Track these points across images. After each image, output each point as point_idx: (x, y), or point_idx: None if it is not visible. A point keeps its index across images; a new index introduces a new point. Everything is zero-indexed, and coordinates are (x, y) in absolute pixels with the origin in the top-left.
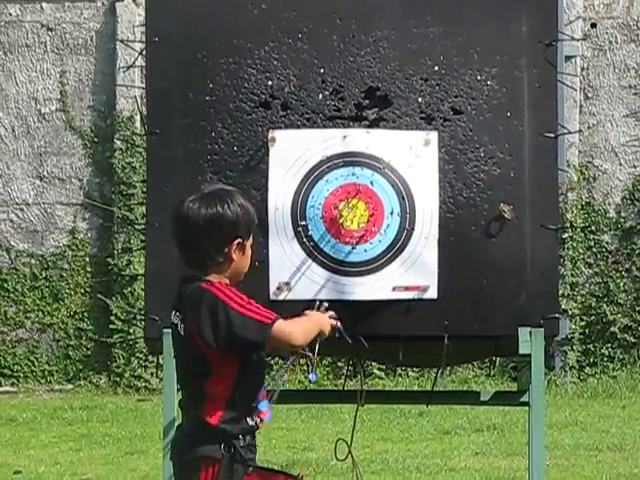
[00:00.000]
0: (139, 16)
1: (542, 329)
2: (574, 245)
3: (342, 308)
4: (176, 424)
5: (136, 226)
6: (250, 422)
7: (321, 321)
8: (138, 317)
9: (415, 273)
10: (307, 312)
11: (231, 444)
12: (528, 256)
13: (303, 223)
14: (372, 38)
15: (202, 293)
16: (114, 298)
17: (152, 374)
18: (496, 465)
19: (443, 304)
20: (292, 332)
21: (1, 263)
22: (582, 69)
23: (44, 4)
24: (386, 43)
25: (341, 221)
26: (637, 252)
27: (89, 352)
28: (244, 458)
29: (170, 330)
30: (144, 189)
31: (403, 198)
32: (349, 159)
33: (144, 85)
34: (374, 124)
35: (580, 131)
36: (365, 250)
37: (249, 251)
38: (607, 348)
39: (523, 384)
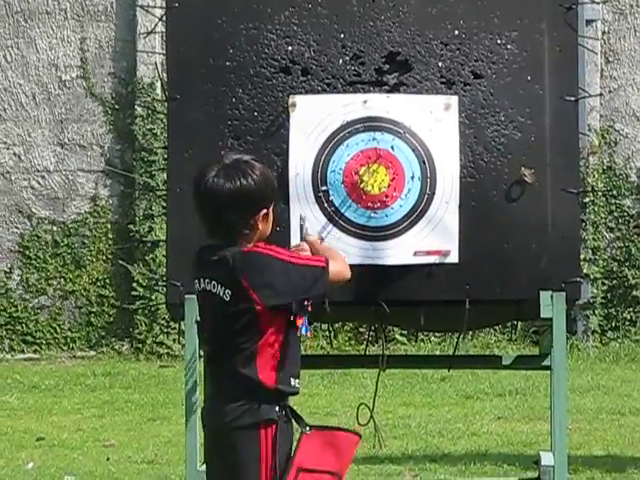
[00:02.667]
0: None
1: (564, 293)
2: (595, 209)
3: (364, 273)
4: (198, 392)
5: (157, 192)
6: (293, 383)
7: None
8: (160, 283)
9: (436, 238)
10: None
11: (285, 405)
12: (549, 220)
13: (324, 188)
14: (392, 3)
15: (251, 256)
16: (136, 265)
17: (174, 340)
18: (518, 429)
19: (464, 268)
20: (343, 268)
21: (23, 230)
22: (603, 33)
23: None
24: (406, 7)
25: (362, 186)
26: None
27: (111, 319)
28: (300, 418)
29: (195, 296)
30: (165, 155)
31: (424, 162)
32: (370, 124)
33: (164, 51)
34: (394, 89)
35: (601, 95)
36: (386, 215)
37: (271, 216)
38: (629, 312)
39: (545, 348)
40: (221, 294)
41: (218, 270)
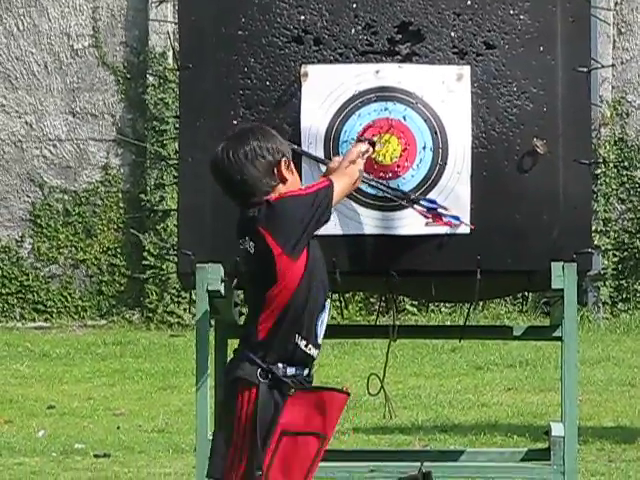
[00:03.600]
0: None
1: (575, 264)
2: (607, 181)
3: (375, 243)
4: (209, 361)
5: (169, 161)
6: (305, 349)
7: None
8: (171, 253)
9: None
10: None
11: (269, 370)
12: (561, 191)
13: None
14: None
15: (270, 205)
16: (147, 234)
17: (185, 310)
18: (528, 400)
19: (476, 239)
20: (348, 173)
21: (34, 199)
22: (615, 4)
23: None
24: None
25: (374, 156)
26: None
27: (122, 288)
28: (285, 384)
29: (237, 259)
30: (177, 125)
31: (436, 133)
32: (382, 94)
33: (176, 20)
34: (407, 59)
35: (613, 66)
36: (398, 185)
37: (292, 165)
38: None
39: (556, 319)
40: (249, 248)
41: (247, 225)
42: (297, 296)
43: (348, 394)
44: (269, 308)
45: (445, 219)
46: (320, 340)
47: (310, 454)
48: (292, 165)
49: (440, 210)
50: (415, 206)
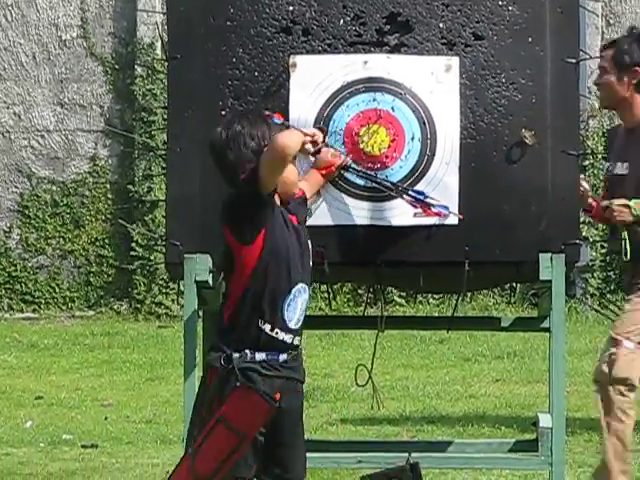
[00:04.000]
0: None
1: (563, 255)
2: (595, 172)
3: (363, 233)
4: (197, 352)
5: (157, 152)
6: (271, 333)
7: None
8: (159, 243)
9: (436, 199)
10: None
11: (229, 355)
12: (549, 182)
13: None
14: None
15: (224, 201)
16: (135, 225)
17: (173, 301)
18: (516, 392)
19: (464, 230)
20: (273, 142)
21: (22, 190)
22: None
23: None
24: None
25: (362, 147)
26: None
27: (110, 279)
28: (243, 372)
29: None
30: (165, 115)
31: (424, 124)
32: (370, 85)
33: (165, 11)
34: (395, 49)
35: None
36: (386, 175)
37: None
38: None
39: (544, 310)
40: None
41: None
42: (253, 281)
43: (274, 406)
44: (230, 295)
45: (434, 209)
46: (293, 325)
47: (228, 447)
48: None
49: (429, 200)
50: (404, 196)
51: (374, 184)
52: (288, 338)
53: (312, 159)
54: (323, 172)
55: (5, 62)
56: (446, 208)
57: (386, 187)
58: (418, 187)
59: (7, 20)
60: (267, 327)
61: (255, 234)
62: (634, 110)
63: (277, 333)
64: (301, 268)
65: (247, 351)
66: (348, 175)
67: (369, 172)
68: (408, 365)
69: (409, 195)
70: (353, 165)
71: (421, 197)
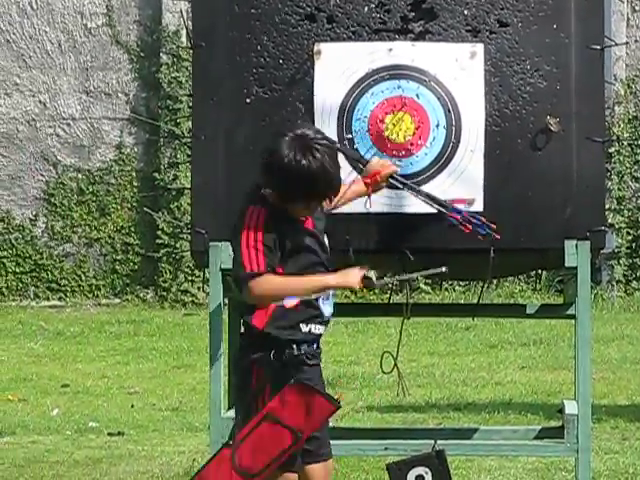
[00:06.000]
0: None
1: (588, 242)
2: (621, 159)
3: (388, 221)
4: (223, 340)
5: (182, 140)
6: (304, 329)
7: (326, 280)
8: (185, 231)
9: (461, 186)
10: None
11: (282, 352)
12: (574, 169)
13: (349, 136)
14: None
15: (242, 213)
16: (161, 212)
17: (199, 288)
18: (542, 379)
19: (489, 217)
20: (252, 289)
21: (48, 178)
22: None
23: None
24: None
25: (387, 134)
26: None
27: (136, 267)
28: (295, 366)
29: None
30: (190, 103)
31: (449, 111)
32: (395, 72)
33: None
34: (420, 37)
35: (627, 44)
36: (411, 163)
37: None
38: None
39: (569, 297)
40: None
41: None
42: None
43: (338, 406)
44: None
45: (474, 227)
46: (327, 316)
47: (281, 446)
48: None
49: (469, 217)
50: (449, 212)
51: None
52: (323, 330)
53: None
54: (368, 181)
55: (31, 50)
56: (483, 227)
57: (428, 200)
58: (443, 173)
59: (32, 8)
60: (307, 327)
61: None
62: None
63: (316, 328)
64: (327, 262)
65: (292, 347)
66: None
67: (414, 185)
68: (434, 352)
69: (450, 210)
70: (398, 176)
71: (460, 214)
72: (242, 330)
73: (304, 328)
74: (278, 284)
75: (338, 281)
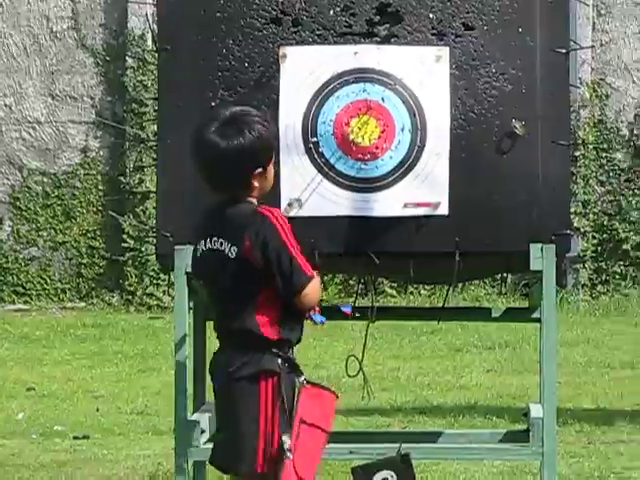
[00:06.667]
0: None
1: (554, 245)
2: (586, 163)
3: (353, 224)
4: (187, 344)
5: (148, 144)
6: (298, 334)
7: None
8: (150, 235)
9: (426, 189)
10: None
11: (286, 358)
12: (540, 172)
13: (314, 140)
14: None
15: (261, 220)
16: (126, 216)
17: (164, 292)
18: (507, 382)
19: (454, 220)
20: (317, 297)
21: (13, 181)
22: None
23: None
24: None
25: (352, 137)
26: None
27: (101, 270)
28: (299, 370)
29: (201, 254)
30: (155, 107)
31: (414, 114)
32: (360, 75)
33: (155, 2)
34: (385, 40)
35: (592, 47)
36: (376, 167)
37: (272, 172)
38: (619, 266)
39: (535, 301)
40: (226, 251)
41: (226, 227)
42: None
43: (336, 395)
44: (266, 313)
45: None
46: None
47: (319, 446)
48: (269, 170)
49: None
50: None
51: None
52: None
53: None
54: None
55: None
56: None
57: None
58: (409, 177)
59: None
60: (301, 332)
61: None
62: None
63: (300, 330)
64: None
65: (292, 350)
66: (338, 166)
67: None
68: (399, 356)
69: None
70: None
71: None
72: (228, 343)
73: (298, 333)
74: (318, 286)
75: None
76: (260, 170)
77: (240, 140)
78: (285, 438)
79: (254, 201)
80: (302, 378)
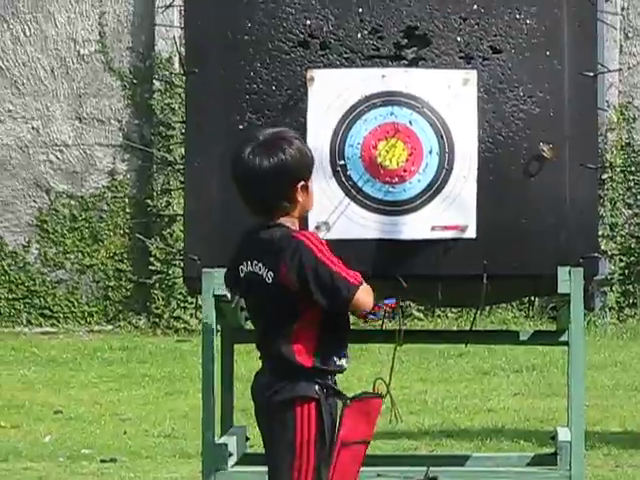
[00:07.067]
0: None
1: (581, 268)
2: (614, 186)
3: (381, 247)
4: (215, 366)
5: (175, 167)
6: (338, 362)
7: None
8: (177, 258)
9: (454, 212)
10: None
11: (325, 384)
12: (567, 195)
13: (342, 163)
14: None
15: (296, 244)
16: (153, 239)
17: (191, 315)
18: (535, 406)
19: (482, 243)
20: (369, 300)
21: (41, 204)
22: (622, 9)
23: None
24: None
25: (380, 160)
26: None
27: (128, 293)
28: (339, 393)
29: (245, 275)
30: (183, 130)
31: (442, 137)
32: (388, 98)
33: (182, 25)
34: (413, 63)
35: (620, 70)
36: (404, 190)
37: (312, 189)
38: None
39: (562, 324)
40: (264, 276)
41: (264, 252)
42: (325, 324)
43: (382, 396)
44: (301, 341)
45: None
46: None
47: (359, 460)
48: (310, 186)
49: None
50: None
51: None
52: (346, 363)
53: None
54: None
55: (24, 77)
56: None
57: None
58: (436, 200)
59: (25, 35)
60: (343, 361)
61: None
62: None
63: (342, 361)
64: None
65: (329, 377)
66: (366, 189)
67: None
68: (427, 379)
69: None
70: None
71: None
72: (268, 366)
73: (338, 362)
74: (370, 294)
75: None
76: (302, 183)
77: (281, 156)
78: (322, 469)
79: (294, 223)
80: (345, 399)
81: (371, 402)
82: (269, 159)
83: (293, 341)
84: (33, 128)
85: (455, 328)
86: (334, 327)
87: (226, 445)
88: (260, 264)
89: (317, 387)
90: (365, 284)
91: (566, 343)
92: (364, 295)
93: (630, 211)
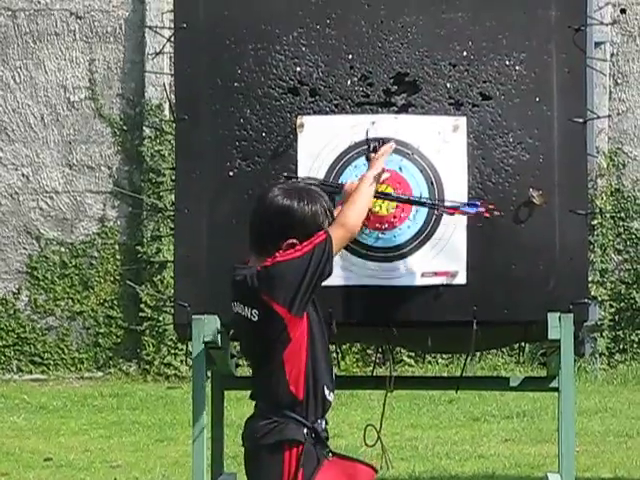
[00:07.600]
0: (167, 3)
1: (571, 314)
2: (603, 232)
3: (371, 293)
4: (205, 413)
5: (165, 213)
6: (327, 393)
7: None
8: (167, 304)
9: (444, 259)
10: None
11: (313, 428)
12: (557, 241)
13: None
14: (400, 24)
15: (266, 271)
16: (143, 286)
17: (182, 362)
18: (526, 452)
19: (472, 289)
20: (345, 224)
21: (31, 251)
22: (612, 55)
23: None
24: (414, 28)
25: (370, 206)
26: None
27: (119, 340)
28: (324, 442)
29: (234, 315)
30: (173, 176)
31: (432, 184)
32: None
33: (172, 72)
34: (403, 110)
35: (609, 116)
36: (394, 236)
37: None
38: (637, 334)
39: (553, 370)
40: (248, 315)
41: (241, 291)
42: (312, 348)
43: (376, 470)
44: (292, 367)
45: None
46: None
47: None
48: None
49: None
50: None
51: (381, 246)
52: (332, 397)
53: None
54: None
55: (14, 123)
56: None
57: (426, 204)
58: (426, 246)
59: (15, 82)
60: (327, 392)
61: (307, 304)
62: None
63: (330, 395)
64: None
65: (319, 420)
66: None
67: (402, 196)
68: (417, 425)
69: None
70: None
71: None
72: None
73: (328, 394)
74: (344, 211)
75: (377, 170)
76: (292, 241)
77: (294, 203)
78: None
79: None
80: (326, 451)
81: (357, 467)
82: (283, 199)
83: (285, 369)
84: (23, 175)
85: (446, 374)
86: (319, 354)
87: None
88: (241, 305)
89: (305, 430)
90: (333, 230)
91: (556, 389)
92: (339, 235)
93: (620, 257)
